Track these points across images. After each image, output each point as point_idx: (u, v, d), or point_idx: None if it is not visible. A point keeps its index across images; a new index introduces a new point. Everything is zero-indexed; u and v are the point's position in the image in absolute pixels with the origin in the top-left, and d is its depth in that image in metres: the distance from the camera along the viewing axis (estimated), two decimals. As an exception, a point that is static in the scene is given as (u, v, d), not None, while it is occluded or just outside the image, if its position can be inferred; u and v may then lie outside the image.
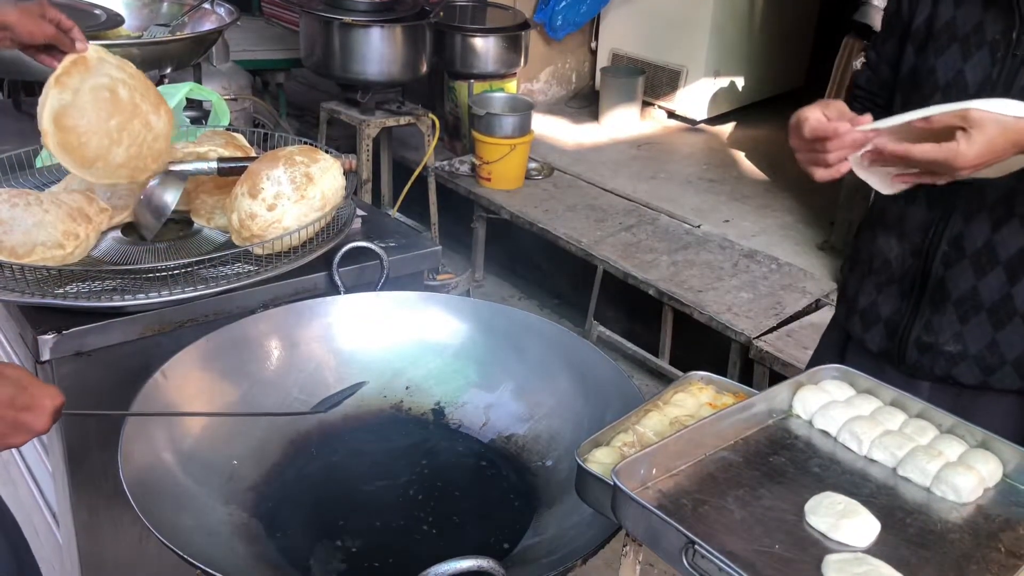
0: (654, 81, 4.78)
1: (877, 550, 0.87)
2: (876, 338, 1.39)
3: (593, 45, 5.08)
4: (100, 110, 1.36)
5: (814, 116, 1.18)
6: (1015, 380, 1.28)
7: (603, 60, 5.00)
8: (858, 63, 3.09)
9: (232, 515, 1.13)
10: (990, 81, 1.22)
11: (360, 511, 1.20)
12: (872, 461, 1.01)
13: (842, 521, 0.89)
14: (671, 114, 4.84)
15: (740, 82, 4.85)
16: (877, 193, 1.39)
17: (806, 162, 1.23)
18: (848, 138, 1.16)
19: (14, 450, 1.87)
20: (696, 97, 4.71)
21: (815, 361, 1.51)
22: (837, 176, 1.21)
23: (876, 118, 1.42)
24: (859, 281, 1.43)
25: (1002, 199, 1.24)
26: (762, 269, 3.25)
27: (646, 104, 4.82)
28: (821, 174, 1.21)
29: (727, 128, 4.82)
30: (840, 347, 1.47)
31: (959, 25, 1.25)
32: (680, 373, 2.95)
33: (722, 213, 3.75)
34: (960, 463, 0.98)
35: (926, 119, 1.10)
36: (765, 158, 4.38)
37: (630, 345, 3.24)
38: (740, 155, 4.45)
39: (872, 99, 1.43)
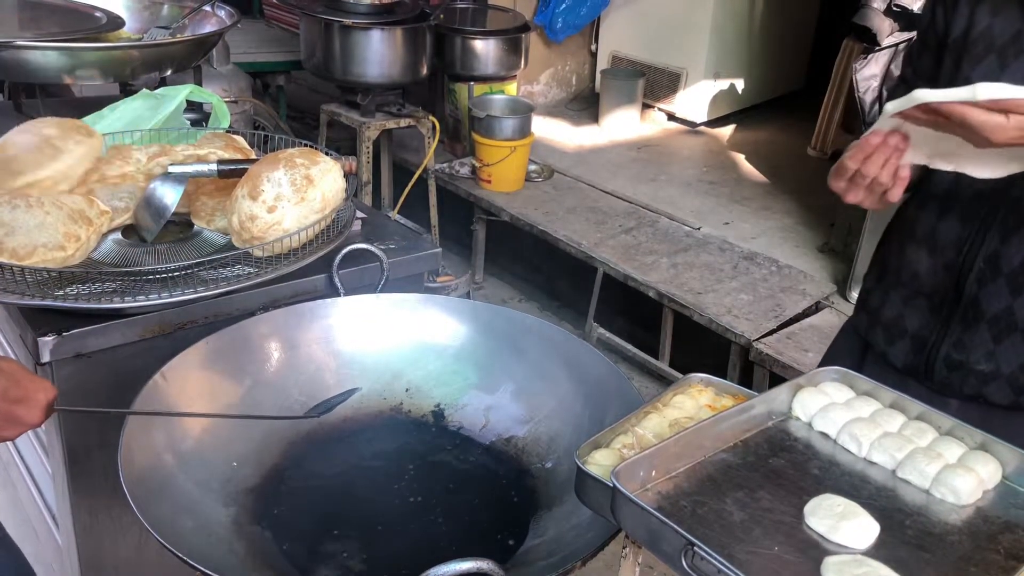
0: (654, 83, 4.79)
1: (876, 552, 0.87)
2: (901, 353, 1.35)
3: (593, 47, 5.09)
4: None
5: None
6: None
7: (603, 62, 5.00)
8: (858, 65, 3.09)
9: (232, 517, 1.13)
10: None
11: (360, 513, 1.20)
12: (871, 463, 1.01)
13: (841, 523, 0.89)
14: (671, 116, 4.85)
15: (740, 84, 4.86)
16: (904, 204, 1.37)
17: (866, 193, 1.17)
18: (891, 141, 1.11)
19: (14, 452, 1.88)
20: (696, 99, 4.71)
21: (827, 363, 1.46)
22: (904, 184, 1.15)
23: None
24: (884, 292, 1.39)
25: None
26: (762, 271, 3.25)
27: (646, 106, 4.83)
28: (893, 193, 1.16)
29: (727, 130, 4.83)
30: (858, 357, 1.44)
31: (996, 34, 1.22)
32: (680, 375, 2.95)
33: (722, 215, 3.76)
34: (959, 465, 0.98)
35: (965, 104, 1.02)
36: (765, 160, 4.38)
37: (630, 347, 3.24)
38: (740, 157, 4.45)
39: None
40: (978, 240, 1.25)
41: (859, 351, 1.45)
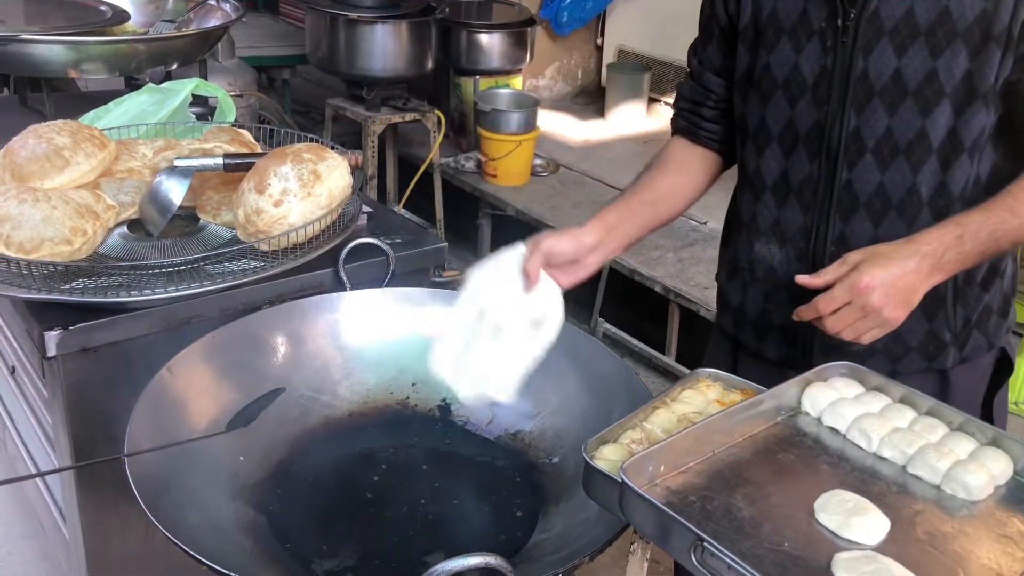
0: (660, 77, 4.77)
1: (887, 548, 0.86)
2: (773, 346, 1.33)
3: (599, 41, 5.07)
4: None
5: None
6: (921, 362, 1.26)
7: (609, 56, 4.98)
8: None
9: (238, 512, 1.13)
10: (827, 72, 1.18)
11: (366, 507, 1.20)
12: (881, 458, 1.00)
13: (852, 519, 0.88)
14: (677, 111, 4.83)
15: (746, 78, 4.84)
16: (737, 197, 1.36)
17: None
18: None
19: (21, 447, 1.88)
20: (702, 93, 4.69)
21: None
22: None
23: (697, 132, 1.38)
24: (742, 289, 1.35)
25: (875, 193, 1.20)
26: (769, 266, 3.24)
27: (652, 100, 4.81)
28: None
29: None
30: (731, 358, 1.40)
31: (783, 17, 1.21)
32: (686, 370, 2.94)
33: (728, 210, 3.74)
34: (970, 460, 0.97)
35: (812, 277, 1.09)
36: (772, 154, 4.36)
37: (636, 342, 3.24)
38: (746, 151, 4.43)
39: (696, 111, 1.37)
40: (823, 225, 1.24)
41: (731, 349, 1.41)
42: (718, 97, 1.35)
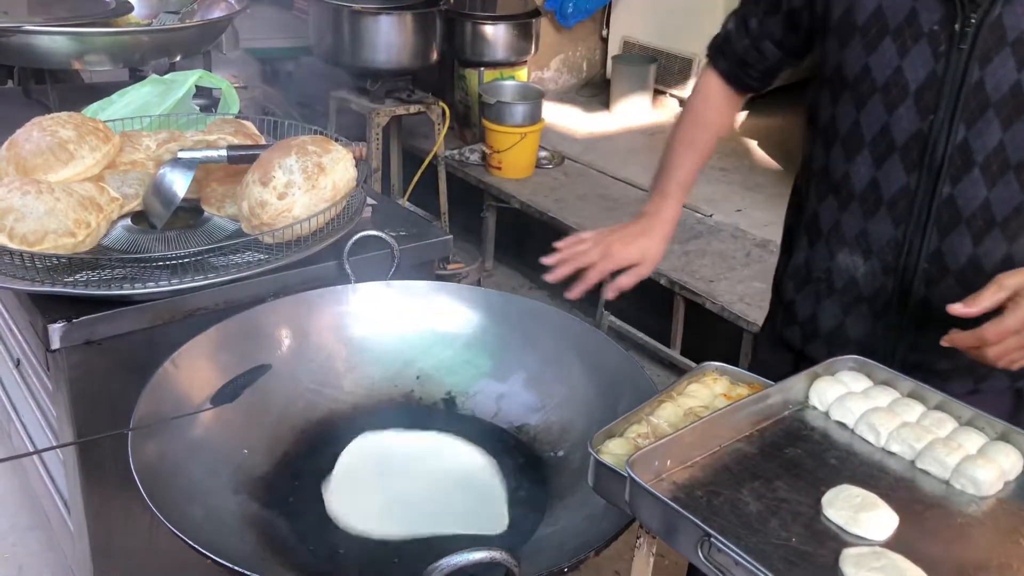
0: (666, 69, 4.74)
1: (895, 544, 0.85)
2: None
3: (604, 33, 5.05)
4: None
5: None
6: (1004, 380, 1.24)
7: (614, 48, 4.96)
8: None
9: (242, 504, 1.13)
10: (935, 79, 1.12)
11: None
12: (890, 453, 0.99)
13: (860, 514, 0.87)
14: (683, 103, 4.81)
15: (753, 70, 4.81)
16: (810, 201, 1.30)
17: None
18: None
19: (25, 438, 1.88)
20: (708, 85, 4.67)
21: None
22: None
23: (744, 87, 1.41)
24: (815, 301, 1.30)
25: (980, 210, 1.15)
26: (774, 259, 3.21)
27: (658, 92, 4.79)
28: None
29: (740, 117, 4.79)
30: (792, 369, 1.30)
31: (888, 16, 1.14)
32: (691, 363, 2.94)
33: (734, 202, 3.73)
34: (980, 456, 0.96)
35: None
36: (778, 147, 4.34)
37: (641, 335, 3.23)
38: (752, 144, 4.41)
39: (744, 68, 1.37)
40: (917, 240, 1.19)
41: (792, 361, 1.35)
42: (771, 64, 1.33)
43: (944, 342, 1.07)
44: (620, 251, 1.35)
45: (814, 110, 1.31)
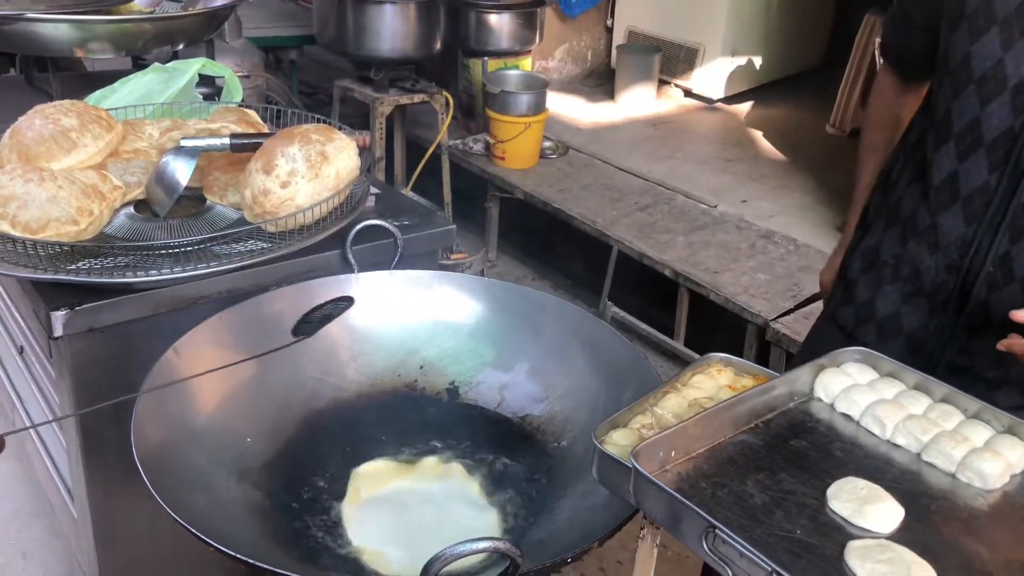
0: (671, 59, 4.72)
1: (901, 536, 0.85)
2: (894, 352, 1.22)
3: (609, 22, 5.02)
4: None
5: None
6: None
7: (619, 38, 4.94)
8: (880, 40, 3.02)
9: (245, 493, 1.13)
10: None
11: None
12: (895, 446, 0.99)
13: (865, 507, 0.87)
14: (688, 93, 4.78)
15: (758, 61, 4.78)
16: (899, 188, 1.27)
17: None
18: None
19: (28, 423, 1.88)
20: (713, 75, 4.64)
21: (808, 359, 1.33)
22: None
23: (915, 78, 1.35)
24: (876, 285, 1.28)
25: None
26: (779, 250, 3.21)
27: (662, 83, 4.76)
28: None
29: (745, 107, 4.76)
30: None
31: (998, 5, 1.10)
32: (695, 355, 2.93)
33: (739, 193, 3.71)
34: (986, 449, 0.96)
35: None
36: (783, 138, 4.32)
37: (644, 326, 3.22)
38: (758, 134, 4.39)
39: (905, 61, 1.34)
40: (986, 242, 1.15)
41: (840, 344, 1.31)
42: (927, 54, 1.26)
43: (1001, 346, 1.04)
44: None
45: (928, 96, 1.28)
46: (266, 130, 1.70)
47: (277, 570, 0.91)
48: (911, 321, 1.24)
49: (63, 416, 1.07)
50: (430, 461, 1.24)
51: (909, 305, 1.24)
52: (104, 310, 1.32)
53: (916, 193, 1.24)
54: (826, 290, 1.41)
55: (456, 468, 1.22)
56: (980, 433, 0.98)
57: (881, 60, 1.44)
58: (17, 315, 1.71)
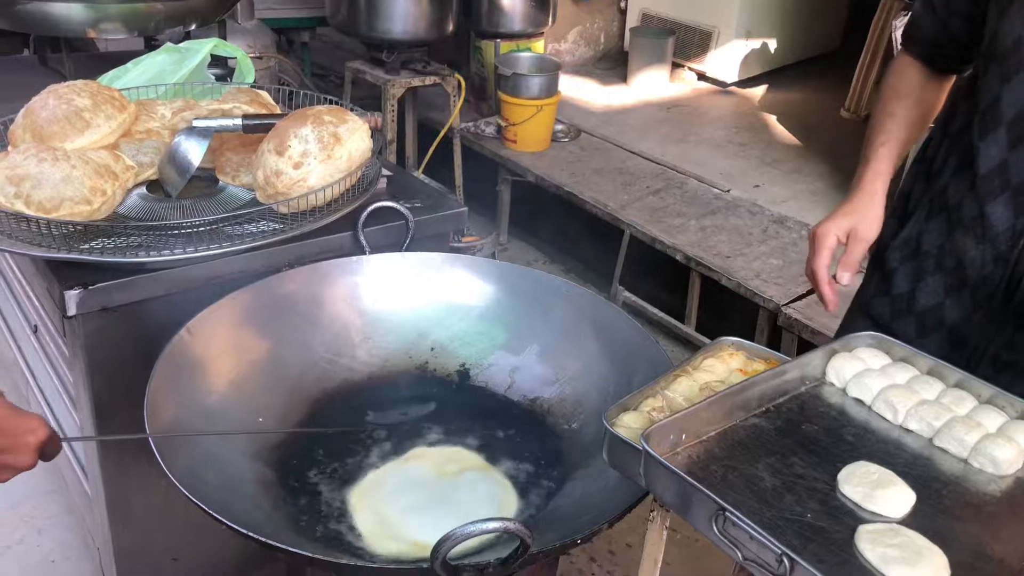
0: (684, 42, 4.68)
1: (912, 521, 0.85)
2: (935, 345, 1.21)
3: (622, 5, 4.98)
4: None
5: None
6: None
7: (632, 20, 4.89)
8: (898, 23, 2.99)
9: (257, 472, 1.14)
10: None
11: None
12: (907, 431, 0.98)
13: (876, 491, 0.87)
14: (701, 76, 4.75)
15: (773, 44, 4.74)
16: (943, 177, 1.23)
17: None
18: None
19: (43, 403, 1.90)
20: (727, 59, 4.60)
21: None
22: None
23: (944, 69, 1.31)
24: (917, 276, 1.24)
25: None
26: (792, 235, 3.19)
27: (676, 66, 4.73)
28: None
29: (759, 91, 4.72)
30: None
31: None
32: (706, 340, 2.92)
33: (752, 178, 3.69)
34: (999, 435, 0.95)
35: None
36: (797, 122, 4.28)
37: (656, 311, 3.21)
38: (771, 119, 4.36)
39: (937, 50, 1.28)
40: None
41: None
42: (964, 43, 1.23)
43: None
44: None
45: (971, 81, 1.23)
46: (278, 111, 1.70)
47: (288, 547, 0.91)
48: (953, 314, 1.21)
49: (126, 436, 1.07)
50: (440, 443, 1.24)
51: (952, 298, 1.21)
52: (117, 289, 1.33)
53: (961, 182, 1.20)
54: (814, 243, 1.34)
55: (466, 450, 1.23)
56: (993, 419, 0.98)
57: (900, 49, 1.38)
58: (31, 294, 1.72)
